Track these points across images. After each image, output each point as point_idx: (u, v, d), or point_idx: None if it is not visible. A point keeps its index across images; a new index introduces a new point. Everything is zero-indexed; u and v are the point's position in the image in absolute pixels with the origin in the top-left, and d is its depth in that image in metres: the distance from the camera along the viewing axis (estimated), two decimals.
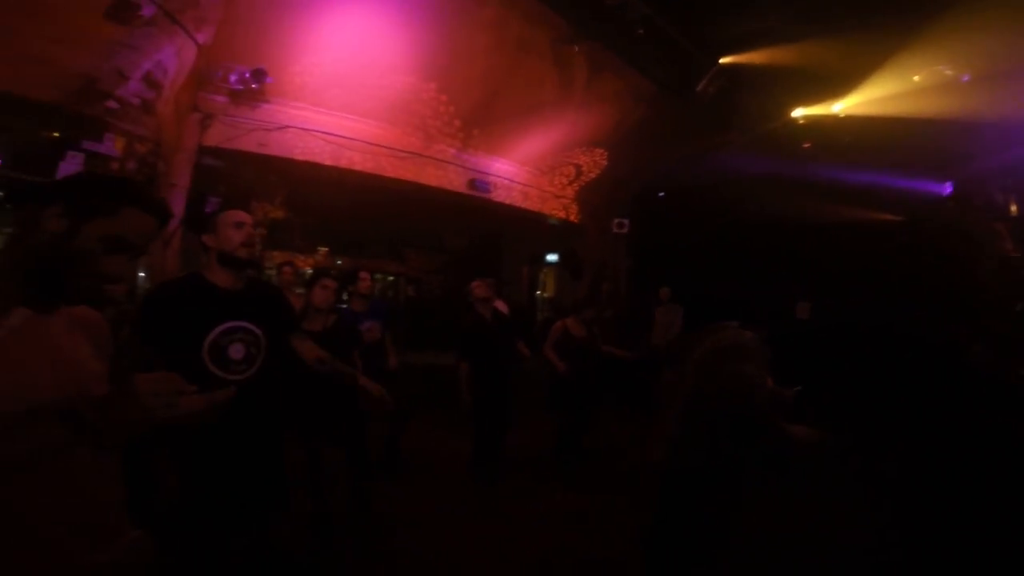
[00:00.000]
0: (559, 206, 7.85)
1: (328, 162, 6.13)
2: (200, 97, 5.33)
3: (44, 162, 3.38)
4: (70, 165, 3.32)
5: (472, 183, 6.88)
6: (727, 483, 1.64)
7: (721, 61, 6.60)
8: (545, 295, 9.13)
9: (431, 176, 6.63)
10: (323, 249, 8.05)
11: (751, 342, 1.73)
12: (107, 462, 0.96)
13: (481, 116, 6.66)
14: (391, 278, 8.93)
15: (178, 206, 4.64)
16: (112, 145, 3.68)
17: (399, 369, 3.72)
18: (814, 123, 6.89)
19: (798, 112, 6.94)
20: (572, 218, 7.88)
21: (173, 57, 4.48)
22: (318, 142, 6.06)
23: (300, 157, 5.91)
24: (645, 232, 8.01)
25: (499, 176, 7.22)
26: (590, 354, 4.09)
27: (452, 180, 6.77)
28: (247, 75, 5.58)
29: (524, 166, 7.51)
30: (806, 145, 7.16)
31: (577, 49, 6.41)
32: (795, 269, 7.15)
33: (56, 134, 3.57)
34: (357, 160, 6.23)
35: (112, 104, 3.88)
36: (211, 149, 5.29)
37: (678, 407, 1.79)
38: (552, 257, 8.83)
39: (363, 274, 3.63)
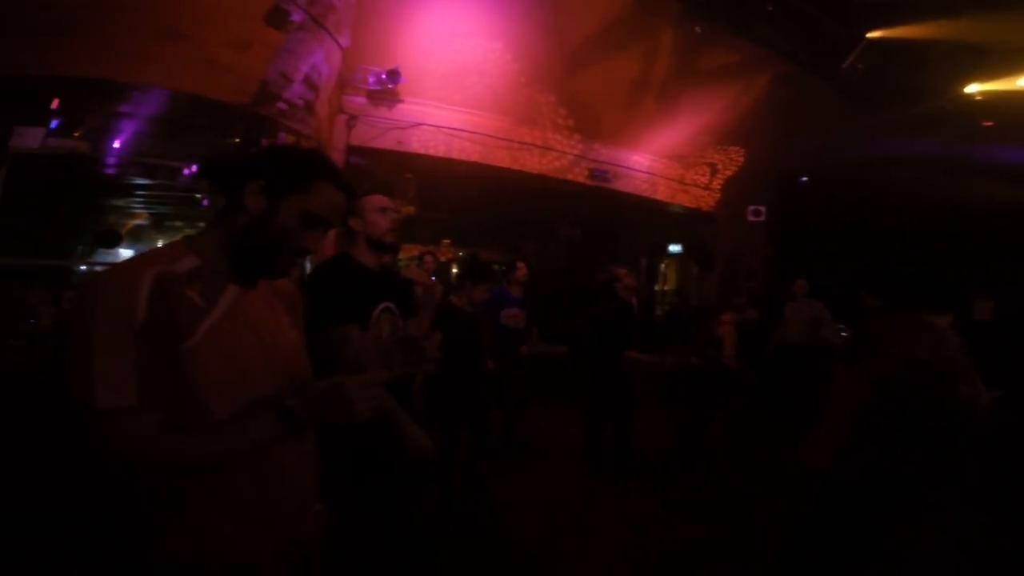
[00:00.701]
0: (685, 194, 7.45)
1: (454, 156, 6.35)
2: (344, 99, 5.70)
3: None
4: None
5: (592, 172, 6.73)
6: (897, 497, 1.49)
7: (868, 35, 5.90)
8: (666, 288, 8.69)
9: (551, 166, 6.61)
10: (446, 241, 8.40)
11: (959, 354, 1.52)
12: (306, 443, 1.00)
13: (601, 104, 6.57)
14: (501, 268, 8.79)
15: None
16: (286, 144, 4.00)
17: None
18: (995, 99, 5.93)
19: (973, 88, 5.99)
20: (703, 206, 7.40)
21: (324, 60, 4.78)
22: (445, 138, 6.31)
23: (430, 153, 6.17)
24: (785, 220, 7.28)
25: (620, 165, 7.01)
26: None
27: (572, 170, 6.71)
28: (383, 76, 5.91)
29: (648, 154, 7.27)
30: (987, 124, 6.10)
31: (699, 30, 6.12)
32: (971, 262, 6.03)
33: (237, 135, 3.88)
34: (479, 153, 6.41)
35: (282, 105, 4.19)
36: (356, 148, 5.68)
37: (850, 413, 1.61)
38: (675, 248, 8.37)
39: (520, 264, 3.89)
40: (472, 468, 3.01)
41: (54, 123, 2.94)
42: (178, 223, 3.18)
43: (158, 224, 3.14)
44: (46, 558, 2.18)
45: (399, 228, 1.91)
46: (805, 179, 7.49)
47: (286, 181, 0.95)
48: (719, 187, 7.51)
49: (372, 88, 5.93)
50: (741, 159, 7.37)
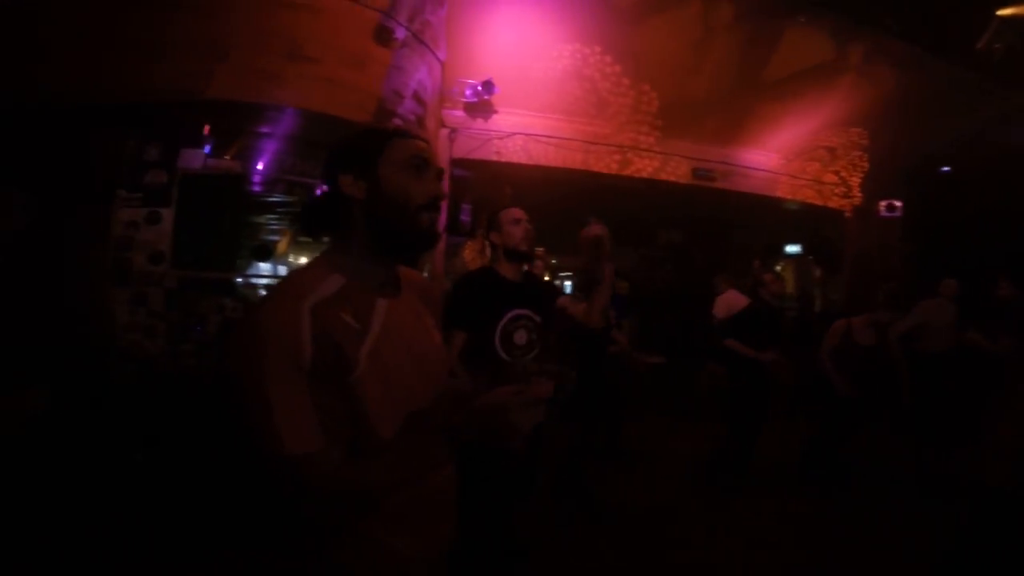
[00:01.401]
0: (806, 189, 6.85)
1: (549, 164, 6.31)
2: (443, 112, 5.82)
3: None
4: None
5: (695, 171, 6.38)
6: None
7: (999, 13, 5.34)
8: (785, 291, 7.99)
9: (649, 168, 6.34)
10: (539, 249, 8.10)
11: None
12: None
13: (706, 102, 6.25)
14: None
15: (441, 215, 5.10)
16: None
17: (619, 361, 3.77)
18: None
19: None
20: (829, 203, 6.77)
21: (427, 75, 4.85)
22: (539, 146, 6.29)
23: (527, 162, 6.16)
24: (924, 215, 6.48)
25: (727, 163, 6.59)
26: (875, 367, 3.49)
27: (673, 170, 6.39)
28: (479, 87, 5.98)
29: (759, 150, 6.80)
30: None
31: (803, 20, 5.81)
32: None
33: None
34: (574, 159, 6.29)
35: (397, 121, 4.28)
36: (458, 161, 5.77)
37: None
38: (793, 248, 7.71)
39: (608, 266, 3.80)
40: (576, 473, 3.00)
41: (208, 146, 3.15)
42: (316, 242, 3.28)
43: (297, 240, 3.27)
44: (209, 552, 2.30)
45: (533, 236, 2.01)
46: (946, 169, 6.62)
47: (367, 152, 0.92)
48: (849, 182, 6.82)
49: (469, 100, 6.03)
50: (865, 142, 6.72)
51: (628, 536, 2.73)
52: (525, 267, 2.05)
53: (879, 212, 6.52)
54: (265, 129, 3.46)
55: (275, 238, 3.33)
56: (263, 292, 3.10)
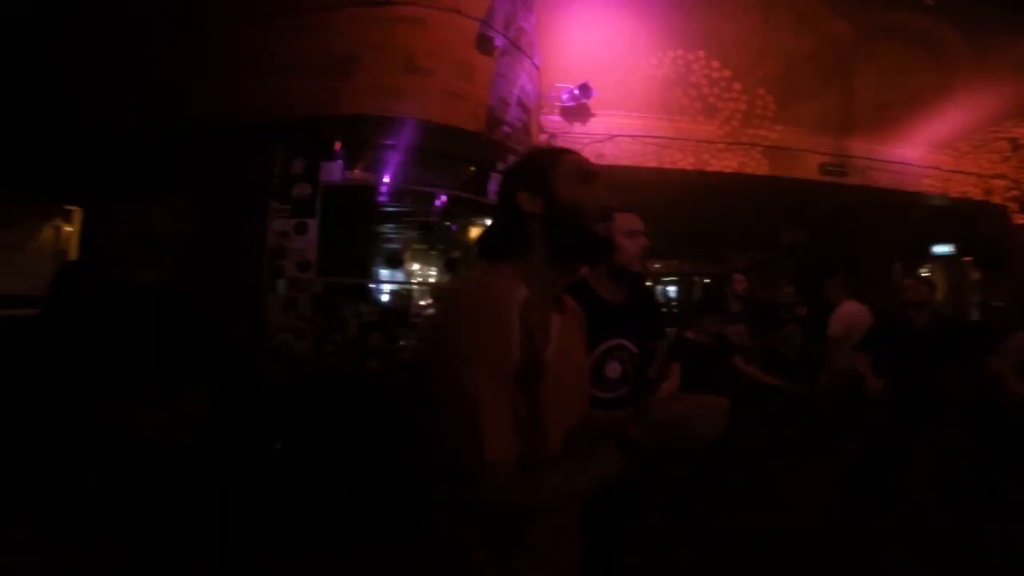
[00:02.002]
0: (958, 184, 6.01)
1: (653, 164, 6.11)
2: (543, 119, 5.83)
3: (477, 184, 3.81)
4: (495, 185, 3.76)
5: (824, 167, 5.82)
6: None
7: None
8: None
9: (766, 165, 5.88)
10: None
11: None
12: None
13: (832, 95, 5.72)
14: (706, 280, 8.32)
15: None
16: None
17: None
18: None
19: None
20: (992, 198, 5.90)
21: (528, 82, 4.84)
22: (641, 147, 6.10)
23: (628, 164, 6.02)
24: None
25: (860, 156, 5.95)
26: None
27: (797, 166, 5.87)
28: (576, 91, 5.92)
29: (900, 143, 6.07)
30: None
31: (931, 2, 5.47)
32: None
33: (475, 160, 4.04)
34: (680, 158, 6.00)
35: (506, 129, 4.29)
36: None
37: None
38: (942, 248, 6.79)
39: (738, 276, 3.69)
40: (693, 491, 2.84)
41: (339, 159, 3.35)
42: (432, 249, 3.39)
43: (416, 249, 3.38)
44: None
45: (646, 256, 1.72)
46: None
47: (541, 169, 0.96)
48: (1005, 173, 5.90)
49: (566, 104, 6.00)
50: None
51: (749, 562, 2.54)
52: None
53: None
54: (389, 141, 3.62)
55: (399, 246, 3.46)
56: (391, 297, 3.24)
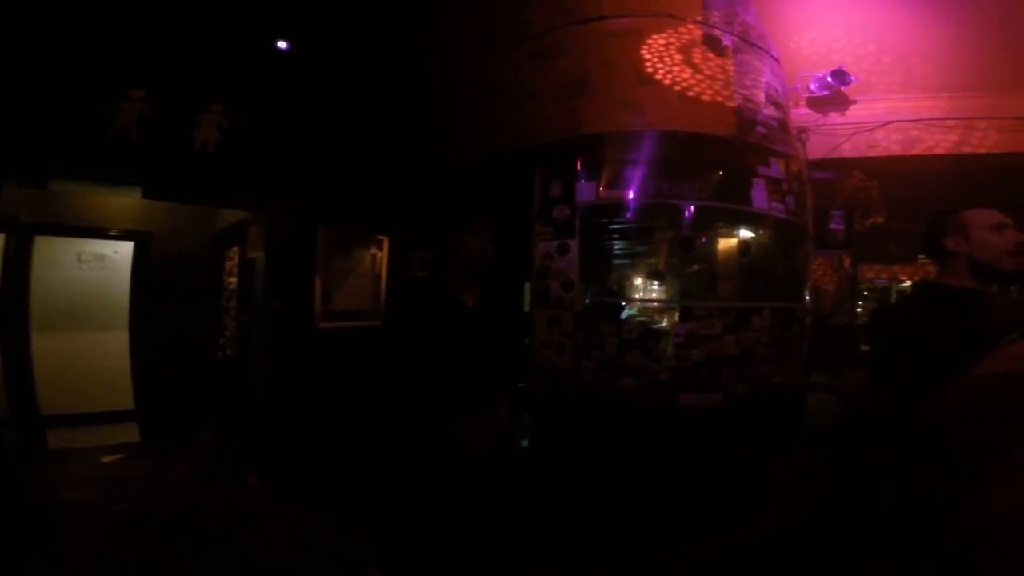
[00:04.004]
0: None
1: (943, 151, 4.85)
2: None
3: (735, 192, 3.51)
4: (759, 191, 3.40)
5: None
6: None
7: None
8: None
9: None
10: (922, 257, 6.36)
11: None
12: None
13: None
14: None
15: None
16: (778, 168, 3.66)
17: None
18: None
19: None
20: None
21: (773, 77, 4.31)
22: (923, 131, 4.88)
23: (909, 152, 4.90)
24: None
25: None
26: None
27: None
28: (829, 79, 5.07)
29: None
30: None
31: None
32: None
33: (728, 166, 3.74)
34: (981, 141, 4.62)
35: (761, 129, 3.88)
36: (815, 162, 5.01)
37: None
38: None
39: None
40: None
41: (591, 179, 3.44)
42: (693, 260, 3.24)
43: (675, 261, 3.25)
44: None
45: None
46: None
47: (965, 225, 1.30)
48: None
49: (818, 94, 5.19)
50: None
51: None
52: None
53: None
54: (632, 156, 3.60)
55: (655, 263, 3.38)
56: (648, 316, 3.19)
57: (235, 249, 5.22)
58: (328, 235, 4.06)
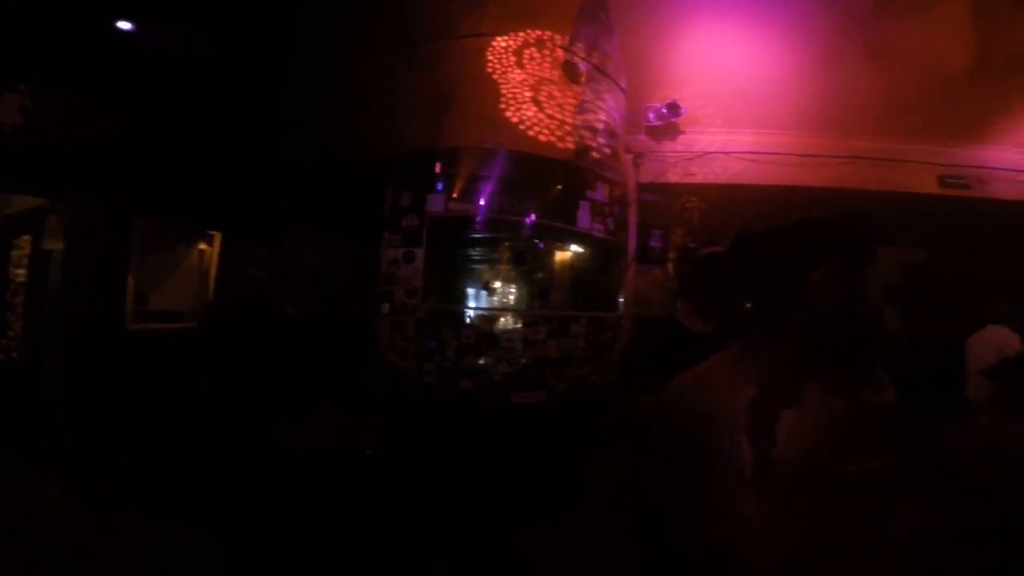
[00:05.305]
0: None
1: (751, 182, 5.85)
2: (630, 139, 5.81)
3: (564, 212, 3.88)
4: (584, 212, 3.81)
5: (943, 179, 5.32)
6: None
7: None
8: None
9: (876, 179, 5.45)
10: None
11: None
12: None
13: (951, 97, 5.20)
14: None
15: (631, 243, 5.10)
16: (603, 192, 4.13)
17: None
18: None
19: None
20: None
21: (614, 106, 4.85)
22: (738, 163, 5.86)
23: (723, 181, 5.82)
24: None
25: (988, 167, 5.36)
26: None
27: (909, 180, 5.40)
28: (664, 110, 5.84)
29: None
30: None
31: None
32: None
33: (561, 186, 4.12)
34: (784, 174, 5.71)
35: (595, 155, 4.35)
36: (646, 185, 5.72)
37: None
38: None
39: None
40: None
41: (442, 191, 3.60)
42: (525, 273, 3.56)
43: (509, 273, 3.54)
44: None
45: None
46: None
47: (857, 257, 0.86)
48: None
49: (654, 124, 5.94)
50: None
51: None
52: None
53: None
54: (484, 172, 3.83)
55: (493, 274, 3.65)
56: (484, 322, 3.44)
57: (26, 238, 4.39)
58: (146, 229, 3.66)
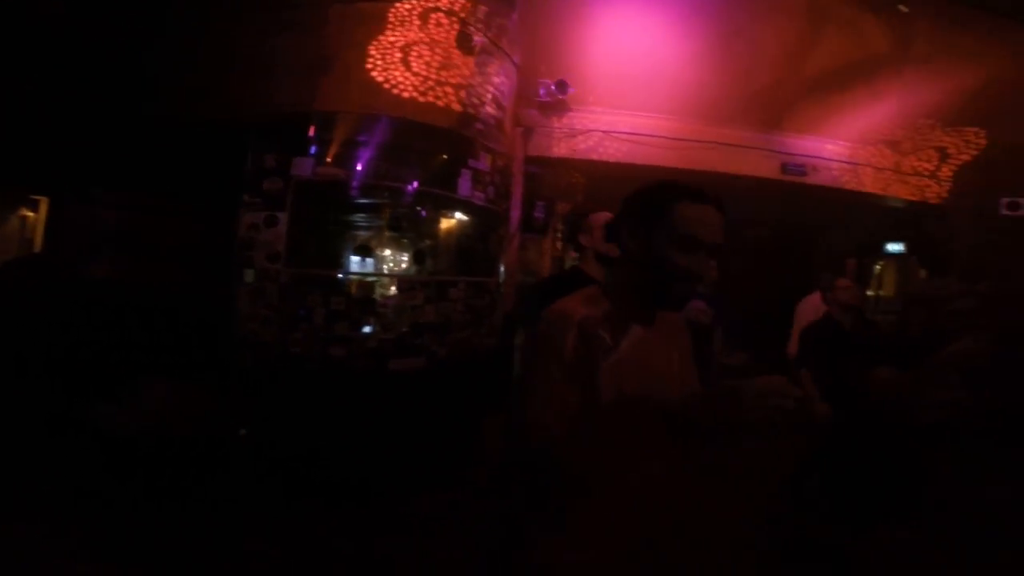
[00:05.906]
0: (904, 185, 6.33)
1: (629, 160, 6.26)
2: (520, 112, 5.95)
3: (445, 179, 3.91)
4: (465, 180, 3.85)
5: (785, 167, 6.07)
6: None
7: None
8: (882, 293, 7.41)
9: (735, 163, 6.09)
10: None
11: None
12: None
13: (792, 94, 5.96)
14: None
15: (515, 212, 5.23)
16: (485, 162, 4.20)
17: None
18: None
19: None
20: (928, 198, 6.23)
21: (505, 80, 4.95)
22: (619, 143, 6.23)
23: (604, 159, 6.15)
24: None
25: (820, 157, 6.21)
26: None
27: (760, 166, 6.10)
28: (553, 87, 6.05)
29: (855, 143, 6.38)
30: None
31: (904, 9, 5.62)
32: None
33: (446, 155, 4.15)
34: (657, 156, 6.17)
35: (479, 126, 4.41)
36: (533, 159, 5.88)
37: None
38: (895, 247, 7.11)
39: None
40: None
41: (311, 155, 3.44)
42: (403, 238, 3.53)
43: (387, 238, 3.50)
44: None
45: None
46: None
47: (644, 215, 1.06)
48: (951, 176, 6.23)
49: (543, 100, 6.11)
50: (982, 142, 6.10)
51: None
52: None
53: (1000, 210, 5.86)
54: (362, 137, 3.71)
55: (369, 239, 3.58)
56: (358, 287, 3.37)
57: None
58: None
